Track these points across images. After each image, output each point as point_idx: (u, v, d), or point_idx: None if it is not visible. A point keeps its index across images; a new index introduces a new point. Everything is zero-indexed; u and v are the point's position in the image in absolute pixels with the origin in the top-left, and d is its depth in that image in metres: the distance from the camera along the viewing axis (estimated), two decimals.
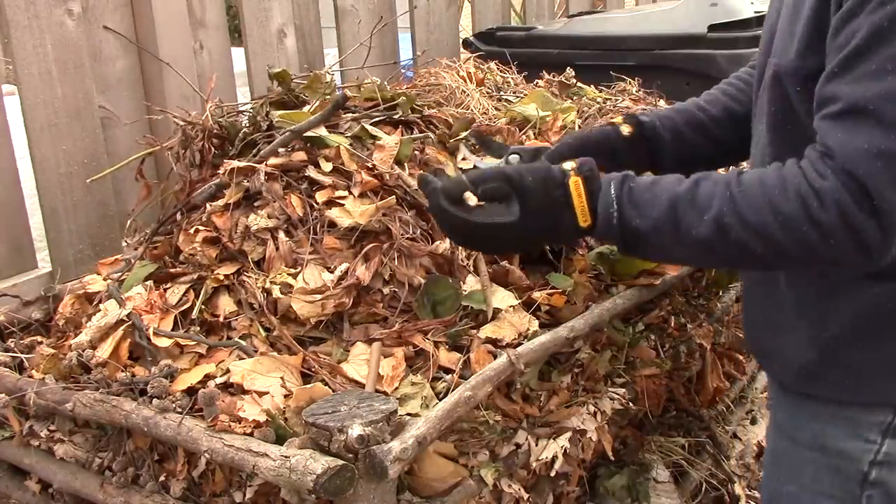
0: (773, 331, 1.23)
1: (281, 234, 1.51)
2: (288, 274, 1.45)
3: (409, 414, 1.27)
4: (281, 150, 1.62)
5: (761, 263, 1.10)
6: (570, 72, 2.26)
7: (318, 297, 1.41)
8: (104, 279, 1.63)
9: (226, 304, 1.48)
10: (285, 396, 1.29)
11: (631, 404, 1.63)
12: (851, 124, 0.96)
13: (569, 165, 1.16)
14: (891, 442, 1.13)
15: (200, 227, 1.56)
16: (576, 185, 1.14)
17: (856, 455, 1.15)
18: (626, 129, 1.43)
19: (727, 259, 1.12)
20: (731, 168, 1.39)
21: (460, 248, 1.51)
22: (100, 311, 1.48)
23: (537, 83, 2.26)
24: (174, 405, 1.28)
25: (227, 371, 1.35)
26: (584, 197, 1.13)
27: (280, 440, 1.20)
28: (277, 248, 1.49)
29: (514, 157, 1.41)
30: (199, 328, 1.46)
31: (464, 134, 1.72)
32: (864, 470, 1.15)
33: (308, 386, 1.28)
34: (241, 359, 1.37)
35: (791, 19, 1.10)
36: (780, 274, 1.20)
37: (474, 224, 1.16)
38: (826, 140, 0.99)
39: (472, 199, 1.16)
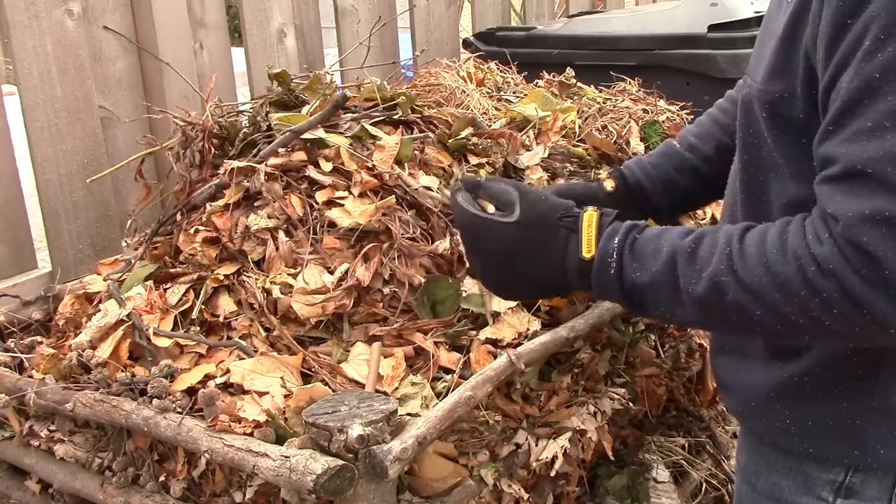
0: (735, 358, 1.18)
1: (281, 234, 1.51)
2: (288, 274, 1.45)
3: (409, 414, 1.27)
4: (281, 150, 1.62)
5: (765, 329, 0.97)
6: (570, 72, 2.26)
7: (319, 297, 1.41)
8: (104, 279, 1.63)
9: (226, 304, 1.48)
10: (285, 396, 1.29)
11: (631, 404, 1.63)
12: (850, 188, 0.88)
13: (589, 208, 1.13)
14: (842, 502, 1.09)
15: (200, 227, 1.55)
16: (589, 217, 1.10)
17: None
18: (609, 185, 1.43)
19: (729, 322, 1.00)
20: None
21: (462, 247, 1.51)
22: (100, 311, 1.48)
23: (537, 83, 2.25)
24: (174, 405, 1.28)
25: (227, 371, 1.35)
26: (595, 229, 1.09)
27: (280, 440, 1.20)
28: (277, 248, 1.49)
29: None
30: (199, 328, 1.46)
31: (464, 133, 1.72)
32: None
33: (308, 386, 1.28)
34: (241, 359, 1.37)
35: (763, 40, 1.06)
36: None
37: (474, 216, 1.16)
38: (826, 205, 0.91)
39: (487, 206, 1.19)
